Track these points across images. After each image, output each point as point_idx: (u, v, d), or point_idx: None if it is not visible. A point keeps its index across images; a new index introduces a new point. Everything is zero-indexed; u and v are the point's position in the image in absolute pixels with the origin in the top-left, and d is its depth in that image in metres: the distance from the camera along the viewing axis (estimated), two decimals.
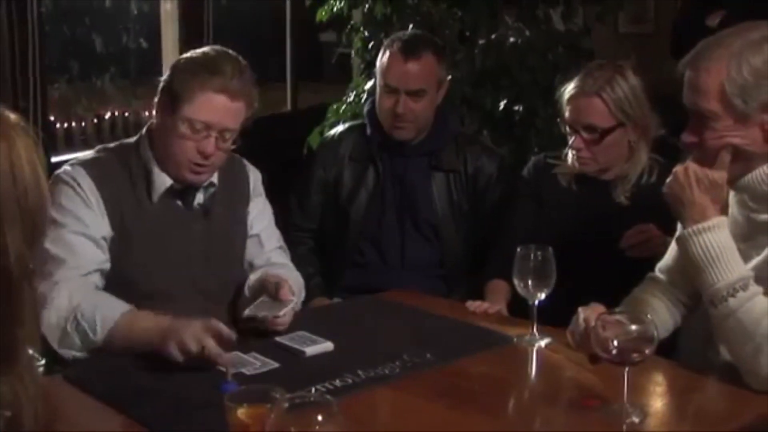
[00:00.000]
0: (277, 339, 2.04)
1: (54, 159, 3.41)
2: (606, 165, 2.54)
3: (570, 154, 2.57)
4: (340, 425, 1.28)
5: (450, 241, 2.81)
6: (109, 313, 1.98)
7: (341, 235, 2.84)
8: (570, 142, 2.53)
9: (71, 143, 4.37)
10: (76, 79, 4.92)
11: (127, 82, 5.28)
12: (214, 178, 2.24)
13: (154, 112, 2.20)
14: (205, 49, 2.18)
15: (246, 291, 2.24)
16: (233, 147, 2.19)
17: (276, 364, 1.91)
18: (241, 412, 1.41)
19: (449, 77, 2.89)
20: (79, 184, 2.11)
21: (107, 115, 4.63)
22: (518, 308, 2.21)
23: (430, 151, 2.81)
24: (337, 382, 1.82)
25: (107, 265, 2.13)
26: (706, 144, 1.86)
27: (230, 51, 2.17)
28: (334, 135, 2.95)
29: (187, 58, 2.15)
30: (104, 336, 1.96)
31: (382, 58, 2.77)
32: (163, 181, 2.16)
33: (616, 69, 2.50)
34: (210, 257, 2.23)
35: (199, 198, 2.22)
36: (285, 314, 2.07)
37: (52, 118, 4.03)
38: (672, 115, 2.57)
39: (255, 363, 1.91)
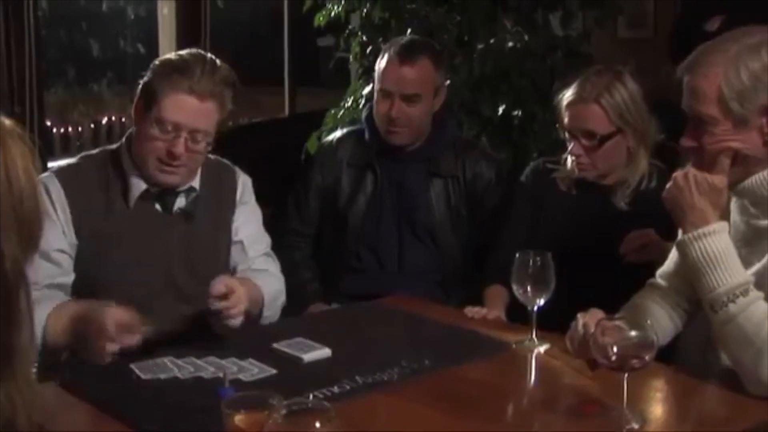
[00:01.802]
0: (275, 345, 2.04)
1: (51, 164, 3.40)
2: (605, 171, 2.54)
3: (569, 160, 2.57)
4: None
5: (448, 247, 2.81)
6: (42, 314, 1.96)
7: (339, 240, 2.84)
8: (569, 147, 2.53)
9: (68, 149, 4.36)
10: (73, 84, 4.92)
11: (124, 88, 5.27)
12: (196, 183, 2.24)
13: (132, 114, 2.21)
14: (183, 51, 2.19)
15: None
16: (208, 149, 2.19)
17: (273, 371, 1.91)
18: (239, 419, 1.41)
19: (447, 83, 2.90)
20: (50, 194, 2.11)
21: (104, 121, 4.62)
22: (517, 314, 2.21)
23: (428, 157, 2.82)
24: (335, 389, 1.82)
25: (67, 279, 2.13)
26: (706, 148, 1.86)
27: (207, 54, 2.17)
28: (332, 140, 2.95)
29: (162, 60, 2.17)
30: (42, 338, 1.94)
31: (380, 63, 2.78)
32: (138, 185, 2.17)
33: (615, 75, 2.50)
34: (191, 262, 2.23)
35: (180, 202, 2.23)
36: (234, 309, 2.02)
37: (48, 124, 4.02)
38: (671, 119, 2.59)
39: (252, 369, 1.91)
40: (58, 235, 2.13)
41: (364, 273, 2.82)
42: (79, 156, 2.26)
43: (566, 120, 2.51)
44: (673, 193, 1.89)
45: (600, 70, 2.55)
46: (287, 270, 2.65)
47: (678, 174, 1.89)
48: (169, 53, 2.23)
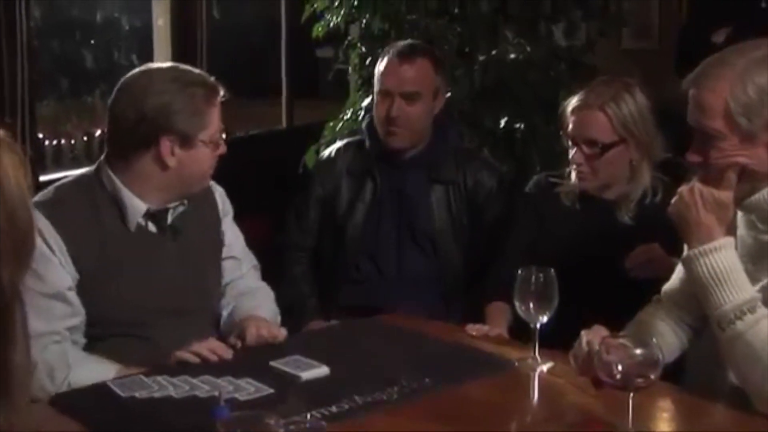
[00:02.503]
0: (272, 363, 2.04)
1: (42, 178, 3.41)
2: (606, 181, 2.55)
3: (572, 173, 2.58)
4: None
5: (448, 255, 2.82)
6: (102, 378, 1.97)
7: (338, 250, 2.86)
8: (570, 155, 2.53)
9: (60, 162, 4.36)
10: (66, 96, 4.92)
11: None
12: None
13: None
14: (179, 74, 2.19)
15: (222, 324, 2.33)
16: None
17: (270, 390, 1.91)
18: None
19: (449, 94, 2.92)
20: (39, 232, 2.06)
21: (98, 133, 4.61)
22: (519, 331, 2.21)
23: (428, 163, 2.84)
24: (333, 408, 1.81)
25: (80, 318, 2.11)
26: (712, 163, 1.87)
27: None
28: (331, 152, 2.97)
29: (174, 98, 2.13)
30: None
31: (379, 66, 2.84)
32: (137, 206, 2.16)
33: (624, 85, 2.52)
34: (183, 279, 2.23)
35: (169, 219, 2.23)
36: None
37: (40, 136, 4.02)
38: (677, 133, 2.59)
39: (248, 388, 1.91)
40: (61, 272, 2.08)
41: (362, 283, 2.84)
42: (52, 187, 2.20)
43: (570, 126, 2.52)
44: (679, 208, 1.89)
45: (609, 80, 2.57)
46: (287, 284, 2.68)
47: (684, 189, 1.89)
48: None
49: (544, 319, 2.03)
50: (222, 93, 2.19)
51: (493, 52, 3.87)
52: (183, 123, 2.13)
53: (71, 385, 1.99)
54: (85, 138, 4.55)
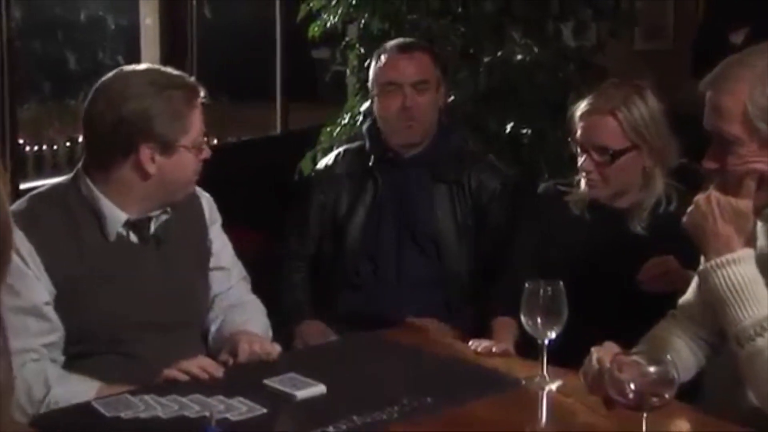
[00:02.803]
0: (266, 381, 2.04)
1: (23, 185, 3.42)
2: (618, 189, 2.55)
3: (582, 181, 2.58)
4: None
5: (451, 257, 2.85)
6: (82, 396, 1.98)
7: (338, 253, 2.91)
8: (579, 162, 2.54)
9: (42, 168, 4.37)
10: (48, 99, 4.93)
11: None
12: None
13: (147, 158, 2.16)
14: (131, 79, 2.18)
15: (211, 339, 2.33)
16: None
17: (264, 409, 1.90)
18: None
19: (452, 97, 2.95)
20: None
21: (80, 138, 4.63)
22: (526, 347, 2.21)
23: (430, 162, 2.88)
24: (330, 429, 1.81)
25: (59, 335, 2.11)
26: (730, 170, 1.87)
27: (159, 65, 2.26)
28: (329, 160, 3.03)
29: (152, 103, 2.12)
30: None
31: (377, 63, 2.90)
32: (117, 215, 2.16)
33: (635, 88, 2.52)
34: (168, 291, 2.23)
35: (152, 228, 2.23)
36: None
37: (21, 141, 4.03)
38: (693, 138, 2.60)
39: (241, 408, 1.91)
40: (37, 286, 2.08)
41: (362, 288, 2.86)
42: (26, 198, 2.20)
43: (579, 132, 2.53)
44: (695, 218, 1.89)
45: (619, 83, 2.57)
46: (285, 290, 2.73)
47: (700, 197, 1.89)
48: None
49: (553, 334, 2.03)
50: (203, 94, 2.20)
51: (499, 54, 3.88)
52: (163, 128, 2.13)
53: (51, 405, 1.99)
54: (68, 144, 4.56)
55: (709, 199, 1.87)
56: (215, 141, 4.58)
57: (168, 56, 4.15)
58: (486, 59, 3.89)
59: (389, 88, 2.85)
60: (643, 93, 2.52)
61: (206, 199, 2.41)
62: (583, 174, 2.54)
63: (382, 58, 2.89)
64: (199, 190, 2.39)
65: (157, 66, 2.28)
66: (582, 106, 2.54)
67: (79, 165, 2.22)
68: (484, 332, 2.42)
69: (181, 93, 2.15)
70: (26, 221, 2.09)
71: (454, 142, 2.96)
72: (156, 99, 2.12)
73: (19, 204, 2.17)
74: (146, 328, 2.17)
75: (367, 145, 2.93)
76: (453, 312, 2.79)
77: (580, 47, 4.03)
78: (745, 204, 1.86)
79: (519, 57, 3.88)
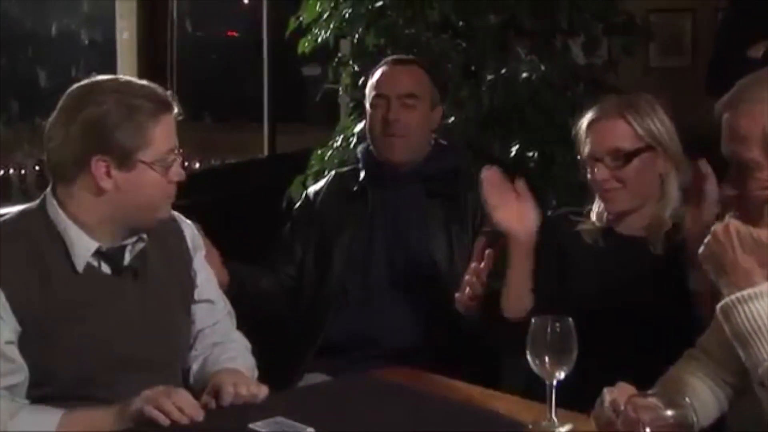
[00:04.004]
0: (251, 426, 2.03)
1: None
2: (637, 196, 2.54)
3: (595, 209, 2.59)
4: None
5: (445, 276, 2.84)
6: (44, 426, 1.97)
7: (324, 274, 2.93)
8: (591, 176, 2.55)
9: (8, 194, 4.38)
10: (16, 120, 4.95)
11: None
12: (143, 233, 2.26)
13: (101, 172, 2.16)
14: (112, 92, 2.17)
15: (193, 379, 2.33)
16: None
17: None
18: None
19: (452, 118, 2.97)
20: None
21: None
22: (533, 389, 2.21)
23: (423, 178, 2.90)
24: None
25: (21, 376, 2.09)
26: (749, 197, 1.88)
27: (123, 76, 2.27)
28: (320, 185, 3.08)
29: (114, 111, 2.12)
30: None
31: (371, 80, 2.99)
32: (85, 244, 2.15)
33: (638, 95, 2.59)
34: (146, 327, 2.22)
35: (126, 259, 2.22)
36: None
37: None
38: (712, 162, 2.61)
39: None
40: (5, 321, 2.07)
41: (349, 309, 2.85)
42: None
43: (588, 146, 2.55)
44: (713, 249, 1.89)
45: (621, 95, 2.64)
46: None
47: (718, 228, 1.90)
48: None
49: (562, 375, 2.02)
50: (175, 110, 2.18)
51: (503, 71, 3.90)
52: (120, 138, 2.11)
53: None
54: (37, 167, 4.56)
55: (727, 229, 1.88)
56: (197, 164, 4.60)
57: (146, 73, 4.16)
58: (489, 77, 3.90)
59: (377, 101, 2.93)
60: (648, 98, 2.58)
61: (188, 227, 2.41)
62: (597, 188, 2.56)
63: (377, 73, 2.98)
64: (179, 216, 2.39)
65: (131, 78, 2.26)
66: (587, 117, 2.58)
67: (48, 188, 2.21)
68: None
69: (146, 103, 2.14)
70: None
71: (451, 160, 3.00)
72: (116, 106, 2.11)
73: None
74: (121, 368, 2.16)
75: (360, 164, 2.96)
76: (445, 333, 2.79)
77: (590, 64, 4.05)
78: (767, 234, 1.86)
79: (524, 75, 3.88)
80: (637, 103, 2.55)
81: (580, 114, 2.64)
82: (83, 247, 2.15)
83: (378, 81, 2.96)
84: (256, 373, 2.39)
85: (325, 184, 3.07)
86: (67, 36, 5.11)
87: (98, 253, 2.18)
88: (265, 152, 5.37)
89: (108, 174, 2.12)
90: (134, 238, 2.22)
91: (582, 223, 2.65)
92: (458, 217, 2.91)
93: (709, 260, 1.90)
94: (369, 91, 2.99)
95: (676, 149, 2.56)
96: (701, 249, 1.92)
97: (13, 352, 2.08)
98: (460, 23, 3.97)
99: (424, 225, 2.90)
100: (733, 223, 1.88)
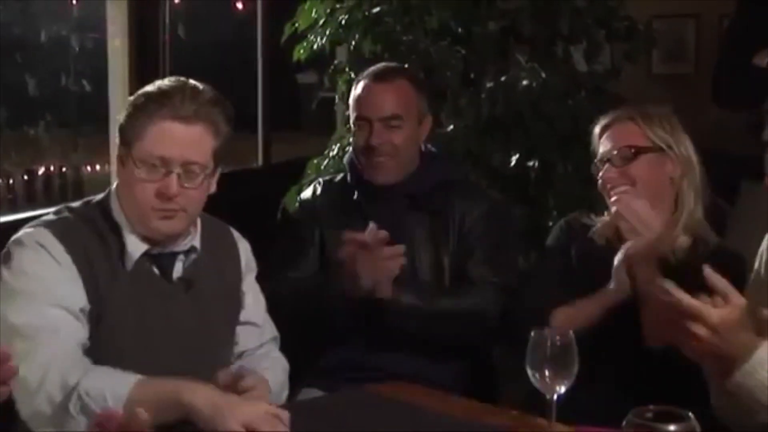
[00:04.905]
0: None
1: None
2: (646, 194, 2.55)
3: (606, 218, 2.61)
4: None
5: (432, 298, 2.83)
6: (118, 387, 1.98)
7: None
8: (600, 175, 2.57)
9: None
10: (4, 128, 4.95)
11: (66, 132, 5.31)
12: (196, 242, 2.26)
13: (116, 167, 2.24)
14: (160, 81, 2.22)
15: None
16: (211, 189, 2.23)
17: None
18: None
19: (451, 127, 2.96)
20: (47, 249, 2.11)
21: (41, 171, 4.64)
22: (533, 402, 2.21)
23: (410, 193, 2.88)
24: None
25: (88, 343, 2.12)
26: None
27: (187, 79, 2.21)
28: (306, 194, 3.04)
29: (137, 94, 2.20)
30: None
31: (354, 93, 2.91)
32: (135, 245, 2.18)
33: (656, 108, 2.64)
34: (193, 340, 2.23)
35: (178, 268, 2.24)
36: None
37: None
38: (718, 174, 2.63)
39: None
40: (76, 292, 2.11)
41: (343, 332, 2.84)
42: (57, 209, 2.24)
43: (601, 148, 2.61)
44: (703, 351, 1.87)
45: (635, 105, 2.69)
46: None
47: (715, 322, 1.84)
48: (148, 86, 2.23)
49: (562, 389, 2.03)
50: (175, 112, 2.12)
51: (503, 79, 3.91)
52: (124, 130, 2.16)
53: (87, 390, 1.98)
54: (25, 177, 4.56)
55: (722, 323, 1.84)
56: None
57: (138, 80, 4.17)
58: (488, 84, 3.91)
59: (359, 122, 2.86)
60: (666, 112, 2.62)
61: (244, 246, 2.41)
62: (605, 189, 2.58)
63: (358, 87, 2.90)
64: (237, 235, 2.41)
65: (183, 79, 2.23)
66: (600, 123, 2.64)
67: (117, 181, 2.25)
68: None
69: (151, 97, 2.15)
70: (61, 230, 2.14)
71: (437, 173, 2.95)
72: (137, 94, 2.17)
73: (50, 215, 2.21)
74: (155, 373, 2.09)
75: (349, 178, 2.95)
76: (437, 357, 2.80)
77: (592, 72, 4.06)
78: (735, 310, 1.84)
79: (525, 82, 3.89)
80: (652, 114, 2.60)
81: (582, 122, 2.67)
82: (133, 245, 2.18)
83: (359, 101, 2.87)
84: (285, 395, 2.39)
85: (313, 194, 3.01)
86: (57, 43, 5.11)
87: (149, 256, 2.20)
88: (260, 162, 5.38)
89: (122, 162, 2.18)
90: (185, 246, 2.23)
91: (594, 226, 2.66)
92: (445, 233, 2.87)
93: (708, 361, 1.90)
94: (351, 108, 2.93)
95: (688, 155, 2.58)
96: (691, 354, 1.91)
97: (85, 321, 2.12)
98: (459, 30, 3.98)
99: (407, 241, 2.85)
100: (709, 326, 1.83)
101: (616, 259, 2.49)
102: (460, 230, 2.87)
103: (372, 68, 2.95)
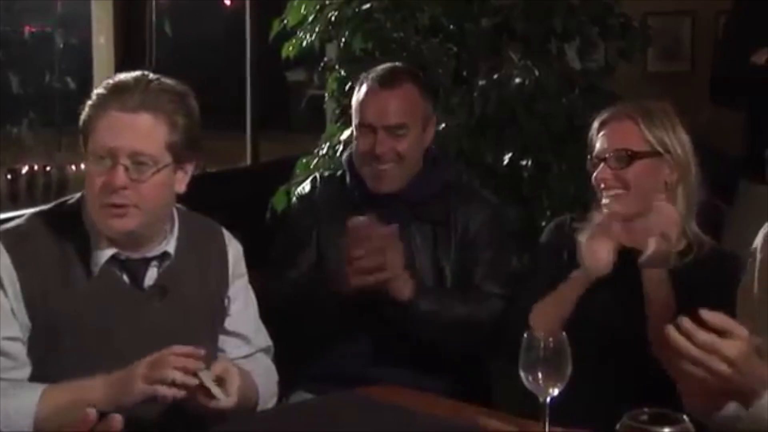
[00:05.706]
0: None
1: None
2: (638, 202, 2.55)
3: (602, 201, 2.61)
4: None
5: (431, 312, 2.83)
6: (23, 402, 1.97)
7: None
8: (594, 174, 2.57)
9: None
10: None
11: (50, 131, 5.30)
12: (170, 247, 2.22)
13: None
14: (123, 74, 2.20)
15: None
16: (177, 189, 2.19)
17: None
18: None
19: (443, 125, 2.95)
20: None
21: (24, 170, 4.63)
22: (526, 405, 2.21)
23: (412, 201, 2.86)
24: None
25: (22, 373, 2.08)
26: None
27: (149, 74, 2.20)
28: (303, 190, 3.01)
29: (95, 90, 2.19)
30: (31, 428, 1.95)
31: (357, 95, 2.88)
32: (101, 249, 2.14)
33: (657, 103, 2.61)
34: (163, 346, 2.14)
35: (152, 274, 2.20)
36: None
37: None
38: (713, 173, 2.63)
39: None
40: (8, 317, 2.07)
41: (335, 338, 2.84)
42: (27, 214, 2.20)
43: (598, 145, 2.59)
44: (715, 385, 1.86)
45: (636, 101, 2.66)
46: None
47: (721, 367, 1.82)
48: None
49: (555, 391, 2.03)
50: (123, 103, 2.09)
51: (495, 77, 3.90)
52: (82, 122, 2.15)
53: None
54: (8, 176, 4.56)
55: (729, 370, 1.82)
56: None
57: None
58: (481, 82, 3.90)
59: (362, 129, 2.84)
60: (664, 105, 2.60)
61: (234, 250, 2.37)
62: (598, 187, 2.58)
63: (363, 90, 2.86)
64: (229, 237, 2.37)
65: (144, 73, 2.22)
66: (599, 118, 2.62)
67: None
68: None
69: (104, 91, 2.13)
70: (13, 240, 2.11)
71: (439, 176, 2.95)
72: (95, 92, 2.15)
73: (14, 221, 2.19)
74: None
75: (348, 179, 2.93)
76: (432, 369, 2.80)
77: (586, 69, 4.06)
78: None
79: (518, 80, 3.88)
80: (652, 110, 2.58)
81: (576, 120, 2.66)
82: (100, 250, 2.14)
83: (364, 106, 2.84)
84: (274, 400, 2.38)
85: (311, 189, 2.99)
86: (41, 40, 5.11)
87: (118, 261, 2.16)
88: (248, 161, 5.37)
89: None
90: (158, 252, 2.19)
91: (583, 229, 2.66)
92: (447, 242, 2.86)
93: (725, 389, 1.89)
94: (354, 112, 2.89)
95: (687, 161, 2.57)
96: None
97: (15, 348, 2.08)
98: (451, 27, 3.98)
99: (409, 253, 2.81)
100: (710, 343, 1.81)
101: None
102: (463, 239, 2.86)
103: (378, 70, 2.91)
